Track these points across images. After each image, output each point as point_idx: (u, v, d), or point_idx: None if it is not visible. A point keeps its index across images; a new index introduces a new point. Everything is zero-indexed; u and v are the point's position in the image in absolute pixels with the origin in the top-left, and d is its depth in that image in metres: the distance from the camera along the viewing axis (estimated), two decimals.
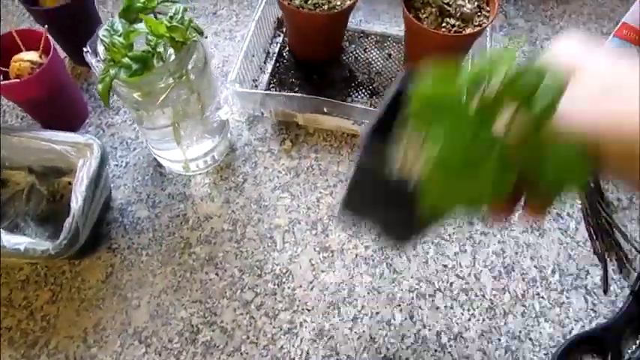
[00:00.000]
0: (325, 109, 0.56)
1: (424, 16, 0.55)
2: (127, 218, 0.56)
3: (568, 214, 0.53)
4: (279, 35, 0.67)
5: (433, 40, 0.54)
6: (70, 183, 0.56)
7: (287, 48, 0.65)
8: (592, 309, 0.48)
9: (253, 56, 0.61)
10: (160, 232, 0.55)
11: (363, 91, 0.62)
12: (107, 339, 0.49)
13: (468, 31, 0.54)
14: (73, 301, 0.51)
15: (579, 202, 0.54)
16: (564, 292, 0.49)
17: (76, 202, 0.47)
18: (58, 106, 0.58)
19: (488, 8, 0.56)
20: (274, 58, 0.64)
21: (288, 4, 0.56)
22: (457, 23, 0.54)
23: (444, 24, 0.54)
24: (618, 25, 0.54)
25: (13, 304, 0.51)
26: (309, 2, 0.56)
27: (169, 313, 0.50)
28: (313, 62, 0.64)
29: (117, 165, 0.59)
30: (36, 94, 0.54)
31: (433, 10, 0.54)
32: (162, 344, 0.49)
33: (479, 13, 0.56)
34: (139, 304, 0.51)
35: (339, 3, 0.57)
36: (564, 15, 0.71)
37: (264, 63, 0.64)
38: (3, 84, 0.52)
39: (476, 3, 0.56)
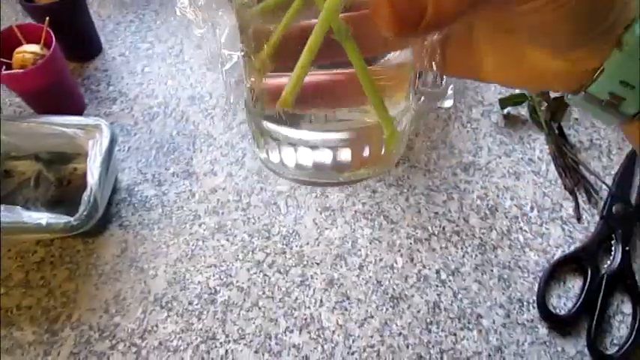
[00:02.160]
0: None
1: None
2: (134, 197, 0.58)
3: (539, 158, 0.60)
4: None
5: None
6: (75, 169, 0.59)
7: None
8: (569, 236, 0.54)
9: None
10: (169, 207, 0.58)
11: None
12: (129, 307, 0.52)
13: None
14: (90, 277, 0.53)
15: (547, 146, 0.60)
16: (543, 225, 0.55)
17: (92, 176, 0.50)
18: (59, 96, 0.60)
19: None
20: None
21: None
22: None
23: None
24: None
25: (31, 284, 0.53)
26: None
27: (186, 278, 0.53)
28: None
29: (119, 150, 0.62)
30: (39, 84, 0.57)
31: None
32: (183, 307, 0.52)
33: None
34: (156, 274, 0.54)
35: None
36: None
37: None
38: (8, 73, 0.54)
39: None
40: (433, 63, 0.23)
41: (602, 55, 0.21)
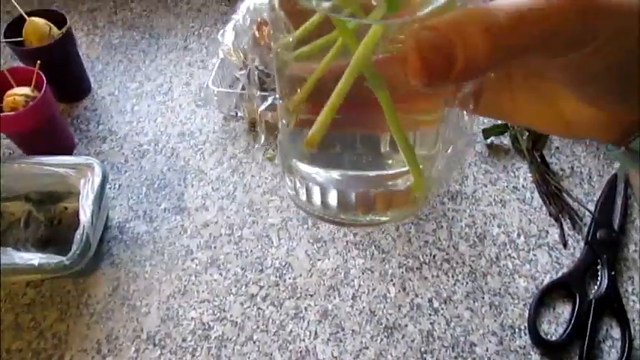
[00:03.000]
0: None
1: None
2: (126, 234, 0.58)
3: (523, 186, 0.61)
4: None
5: None
6: (66, 208, 0.59)
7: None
8: (556, 262, 0.56)
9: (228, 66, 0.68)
10: (161, 244, 0.58)
11: None
12: (121, 347, 0.51)
13: None
14: (82, 317, 0.53)
15: (531, 174, 0.62)
16: (531, 251, 0.57)
17: (85, 214, 0.50)
18: (49, 137, 0.61)
19: None
20: (248, 68, 0.71)
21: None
22: None
23: None
24: None
25: (21, 326, 0.52)
26: None
27: (179, 315, 0.53)
28: None
29: (110, 188, 0.62)
30: (30, 125, 0.57)
31: None
32: (176, 344, 0.51)
33: None
34: (149, 311, 0.53)
35: None
36: None
37: (240, 70, 0.71)
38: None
39: None
40: (465, 103, 0.22)
41: None
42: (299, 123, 0.23)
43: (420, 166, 0.23)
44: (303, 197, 0.25)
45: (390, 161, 0.24)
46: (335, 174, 0.24)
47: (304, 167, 0.24)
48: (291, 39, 0.21)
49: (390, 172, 0.24)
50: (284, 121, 0.25)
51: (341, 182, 0.24)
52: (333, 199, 0.24)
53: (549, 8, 0.17)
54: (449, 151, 0.24)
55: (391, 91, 0.20)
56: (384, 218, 0.25)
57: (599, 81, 0.20)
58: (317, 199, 0.24)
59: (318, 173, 0.24)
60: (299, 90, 0.22)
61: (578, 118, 0.22)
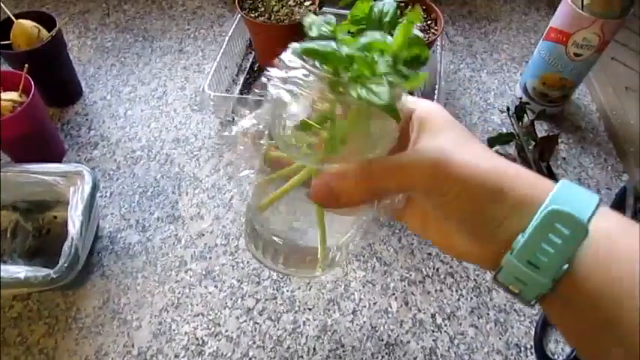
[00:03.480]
0: None
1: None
2: (117, 245, 0.56)
3: None
4: (250, 53, 0.73)
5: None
6: (55, 217, 0.56)
7: (257, 63, 0.71)
8: None
9: (226, 68, 0.66)
10: (154, 254, 0.55)
11: None
12: None
13: None
14: (70, 331, 0.51)
15: None
16: None
17: (74, 225, 0.48)
18: (38, 143, 0.58)
19: (436, 27, 0.64)
20: (246, 72, 0.70)
21: (254, 19, 0.62)
22: None
23: None
24: (547, 30, 0.63)
25: (7, 341, 0.50)
26: (272, 18, 0.63)
27: (172, 329, 0.51)
28: None
29: (101, 196, 0.60)
30: (18, 131, 0.55)
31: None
32: None
33: (427, 31, 0.63)
34: (140, 325, 0.51)
35: (298, 17, 0.63)
36: (496, 31, 0.81)
37: (237, 75, 0.70)
38: None
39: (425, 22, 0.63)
40: (383, 211, 0.30)
41: (504, 247, 0.25)
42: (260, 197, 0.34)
43: (326, 247, 0.32)
44: (255, 249, 0.36)
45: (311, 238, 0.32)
46: (276, 237, 0.34)
47: (259, 228, 0.34)
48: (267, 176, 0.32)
49: (311, 245, 0.32)
50: (252, 195, 0.35)
51: (278, 243, 0.34)
52: (269, 254, 0.35)
53: (410, 169, 0.26)
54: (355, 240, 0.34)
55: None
56: (295, 273, 0.36)
57: (458, 219, 0.27)
58: (261, 252, 0.35)
59: (265, 235, 0.34)
60: (268, 176, 0.32)
61: (463, 247, 0.28)
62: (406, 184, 0.26)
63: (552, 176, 0.60)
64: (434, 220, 0.30)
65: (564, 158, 0.62)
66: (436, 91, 0.63)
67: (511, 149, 0.63)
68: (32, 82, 0.55)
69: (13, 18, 0.60)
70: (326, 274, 0.37)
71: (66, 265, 0.46)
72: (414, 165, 0.26)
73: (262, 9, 0.64)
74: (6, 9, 0.60)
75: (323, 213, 0.30)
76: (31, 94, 0.54)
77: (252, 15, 0.64)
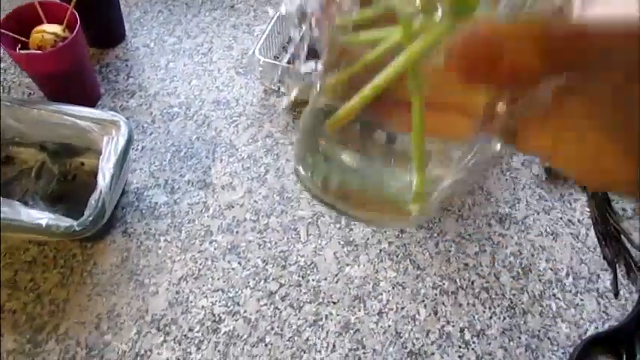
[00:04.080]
0: None
1: None
2: (143, 203, 0.54)
3: (579, 221, 0.56)
4: (304, 22, 0.69)
5: None
6: (83, 164, 0.54)
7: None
8: (604, 311, 0.51)
9: (279, 33, 0.62)
10: (180, 219, 0.53)
11: None
12: (122, 326, 0.47)
13: None
14: (84, 286, 0.49)
15: (589, 210, 0.56)
16: (578, 295, 0.51)
17: (104, 178, 0.45)
18: (74, 83, 0.55)
19: None
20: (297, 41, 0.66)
21: None
22: None
23: None
24: None
25: (18, 285, 0.48)
26: None
27: (189, 301, 0.49)
28: None
29: (133, 149, 0.57)
30: (56, 68, 0.52)
31: None
32: (182, 333, 0.47)
33: None
34: (157, 291, 0.49)
35: None
36: None
37: (287, 43, 0.66)
38: (24, 54, 0.49)
39: None
40: (502, 131, 0.21)
41: None
42: (330, 102, 0.23)
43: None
44: (307, 172, 0.25)
45: (396, 170, 0.23)
46: (345, 159, 0.23)
47: (327, 147, 0.24)
48: (353, 17, 0.21)
49: (393, 180, 0.23)
50: (316, 96, 0.24)
51: (345, 170, 0.23)
52: (333, 184, 0.24)
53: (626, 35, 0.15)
54: (459, 177, 0.23)
55: (426, 100, 0.20)
56: (375, 219, 0.26)
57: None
58: (333, 183, 0.24)
59: (330, 154, 0.24)
60: (341, 71, 0.22)
61: (617, 170, 0.19)
62: (613, 50, 0.16)
63: (608, 202, 0.56)
64: (581, 131, 0.20)
65: None
66: None
67: None
68: (78, 18, 0.52)
69: None
70: (413, 223, 0.27)
71: (91, 218, 0.44)
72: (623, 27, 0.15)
73: None
74: None
75: (423, 127, 0.20)
76: (76, 30, 0.51)
77: None
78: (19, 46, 0.51)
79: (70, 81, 0.54)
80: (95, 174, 0.47)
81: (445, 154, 0.23)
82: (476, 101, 0.20)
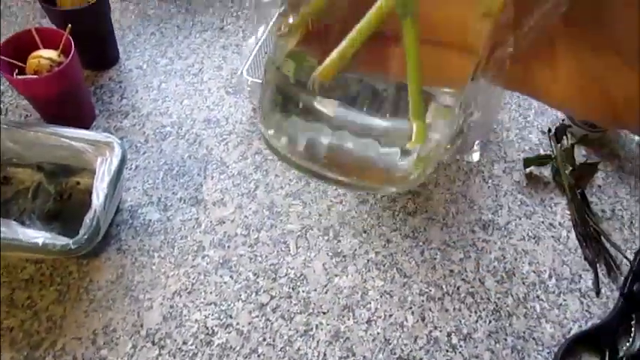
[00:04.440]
0: None
1: None
2: (137, 220, 0.55)
3: (559, 224, 0.58)
4: None
5: None
6: (78, 183, 0.56)
7: None
8: (587, 310, 0.52)
9: (266, 53, 0.64)
10: (172, 235, 0.54)
11: None
12: (118, 341, 0.48)
13: None
14: (81, 302, 0.50)
15: (569, 212, 0.58)
16: (561, 295, 0.53)
17: (98, 197, 0.47)
18: (70, 106, 0.57)
19: None
20: None
21: None
22: None
23: None
24: None
25: (16, 303, 0.49)
26: None
27: (183, 315, 0.50)
28: None
29: (126, 168, 0.58)
30: (52, 91, 0.54)
31: None
32: (176, 346, 0.48)
33: None
34: (152, 306, 0.50)
35: None
36: None
37: None
38: (21, 79, 0.51)
39: None
40: (498, 69, 0.19)
41: None
42: (302, 42, 0.20)
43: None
44: (284, 140, 0.21)
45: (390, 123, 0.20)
46: (336, 110, 0.20)
47: (301, 97, 0.20)
48: None
49: (387, 137, 0.20)
50: (282, 40, 0.21)
51: (339, 123, 0.20)
52: (323, 141, 0.20)
53: None
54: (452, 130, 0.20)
55: (420, 37, 0.17)
56: (369, 184, 0.22)
57: None
58: (302, 141, 0.21)
59: (318, 106, 0.20)
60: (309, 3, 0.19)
61: (619, 85, 0.18)
62: None
63: (587, 204, 0.58)
64: (583, 65, 0.19)
65: (600, 186, 0.60)
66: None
67: (546, 171, 0.61)
68: (73, 44, 0.54)
69: None
70: (410, 184, 0.22)
71: (86, 236, 0.45)
72: None
73: None
74: None
75: (417, 57, 0.18)
76: (71, 55, 0.53)
77: None
78: (17, 71, 0.53)
79: (66, 104, 0.56)
80: (90, 192, 0.48)
81: (440, 103, 0.20)
82: (475, 37, 0.18)
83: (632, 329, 0.50)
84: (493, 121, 0.65)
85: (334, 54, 0.18)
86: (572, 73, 0.20)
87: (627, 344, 0.50)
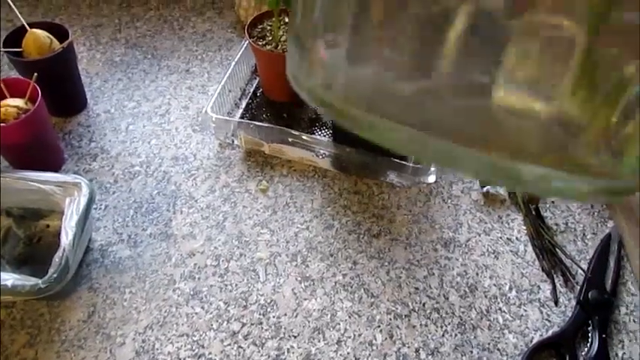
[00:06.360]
0: (290, 140, 0.61)
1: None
2: (107, 259, 0.56)
3: (517, 238, 0.60)
4: (255, 79, 0.74)
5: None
6: (48, 226, 0.57)
7: (261, 89, 0.72)
8: (547, 319, 0.54)
9: (230, 91, 0.67)
10: (143, 271, 0.55)
11: (326, 130, 0.68)
12: None
13: None
14: (52, 343, 0.50)
15: (525, 227, 0.61)
16: (522, 306, 0.55)
17: (66, 236, 0.48)
18: (38, 151, 0.59)
19: None
20: (249, 97, 0.71)
21: (261, 47, 0.64)
22: None
23: None
24: None
25: None
26: (279, 48, 0.64)
27: (155, 348, 0.51)
28: (283, 102, 0.70)
29: (96, 208, 0.60)
30: (20, 138, 0.56)
31: None
32: None
33: None
34: (124, 342, 0.51)
35: None
36: None
37: (240, 99, 0.71)
38: None
39: None
40: None
41: None
42: None
43: None
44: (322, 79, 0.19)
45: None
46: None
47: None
48: None
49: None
50: None
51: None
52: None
53: None
54: None
55: None
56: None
57: None
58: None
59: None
60: None
61: None
62: None
63: (541, 219, 0.61)
64: None
65: (553, 202, 0.64)
66: None
67: (502, 190, 0.65)
68: (39, 91, 0.56)
69: (27, 26, 0.61)
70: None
71: (55, 275, 0.46)
72: None
73: (270, 37, 0.66)
74: (21, 17, 0.61)
75: None
76: (37, 102, 0.55)
77: (260, 43, 0.65)
78: None
79: (33, 150, 0.58)
80: (60, 235, 0.49)
81: None
82: None
83: (589, 334, 0.52)
84: None
85: None
86: None
87: (586, 349, 0.52)
